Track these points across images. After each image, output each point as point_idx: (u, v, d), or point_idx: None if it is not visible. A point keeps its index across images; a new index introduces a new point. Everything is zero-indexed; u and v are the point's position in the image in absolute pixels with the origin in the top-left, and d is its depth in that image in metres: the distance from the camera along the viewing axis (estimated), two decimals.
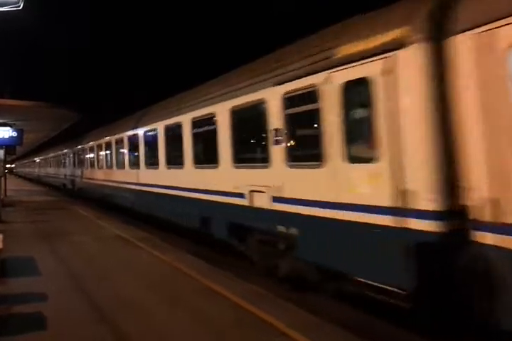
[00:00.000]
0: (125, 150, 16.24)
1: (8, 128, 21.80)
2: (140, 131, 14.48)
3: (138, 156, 14.60)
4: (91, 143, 22.28)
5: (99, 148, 20.48)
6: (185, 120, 10.74)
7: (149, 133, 13.63)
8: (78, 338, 5.18)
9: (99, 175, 20.58)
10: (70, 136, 31.48)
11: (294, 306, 6.17)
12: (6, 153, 23.57)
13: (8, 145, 22.92)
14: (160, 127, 12.58)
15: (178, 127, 11.22)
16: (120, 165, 16.92)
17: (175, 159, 11.61)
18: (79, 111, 22.34)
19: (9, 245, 9.47)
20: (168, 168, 12.09)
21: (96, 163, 21.43)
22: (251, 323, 5.52)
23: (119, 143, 16.79)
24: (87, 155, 23.56)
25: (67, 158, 30.46)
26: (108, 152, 18.85)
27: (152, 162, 13.31)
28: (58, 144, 37.01)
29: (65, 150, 31.11)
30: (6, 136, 21.42)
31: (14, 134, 21.75)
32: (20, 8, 14.79)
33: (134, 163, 15.04)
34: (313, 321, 5.62)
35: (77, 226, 14.12)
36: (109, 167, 18.60)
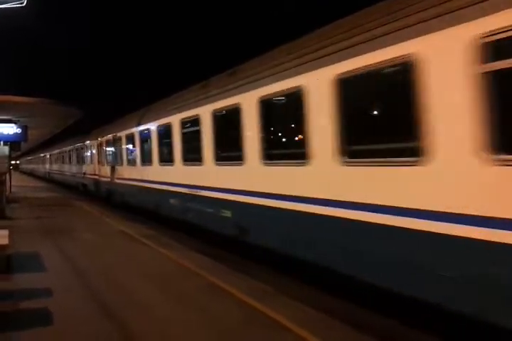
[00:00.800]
0: (205, 137, 9.81)
1: (13, 124, 21.88)
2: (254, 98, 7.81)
3: (240, 142, 8.26)
4: (132, 129, 15.42)
5: (145, 135, 13.89)
6: None
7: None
8: (84, 334, 5.17)
9: (150, 175, 13.59)
10: (86, 126, 26.00)
11: (301, 303, 6.15)
12: (10, 150, 23.66)
13: (13, 142, 23.02)
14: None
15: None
16: (193, 158, 10.47)
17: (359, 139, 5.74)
18: (83, 107, 22.35)
19: (15, 241, 9.48)
20: (349, 164, 5.77)
21: (142, 157, 14.44)
22: (257, 320, 5.51)
23: (191, 125, 10.61)
24: (123, 147, 16.61)
25: (89, 152, 23.52)
26: (166, 140, 12.04)
27: (293, 152, 6.98)
28: (75, 135, 29.31)
29: (87, 142, 23.93)
30: (11, 133, 21.52)
31: (18, 131, 21.83)
32: (24, 4, 14.80)
33: (229, 157, 8.88)
34: (321, 319, 5.60)
35: (82, 223, 14.13)
36: (167, 162, 12.02)
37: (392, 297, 5.44)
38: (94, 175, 21.60)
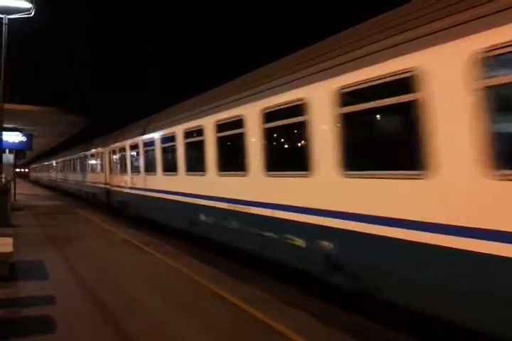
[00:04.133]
0: None
1: (18, 133, 22.12)
2: None
3: None
4: None
5: None
6: None
7: None
8: None
9: None
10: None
11: (299, 311, 6.22)
12: (15, 158, 23.87)
13: (18, 150, 23.24)
14: None
15: None
16: None
17: None
18: (88, 116, 22.57)
19: (19, 249, 9.56)
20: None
21: None
22: (257, 329, 5.57)
23: None
24: None
25: None
26: None
27: None
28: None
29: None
30: (16, 141, 21.75)
31: (24, 139, 22.07)
32: (32, 15, 15.08)
33: None
34: (318, 326, 5.66)
35: (85, 231, 14.23)
36: None
37: (391, 306, 5.47)
38: None
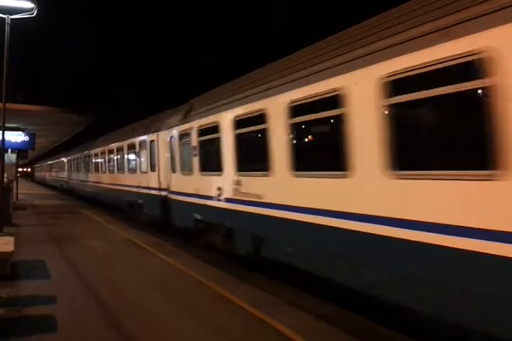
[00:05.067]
0: None
1: (21, 132, 22.09)
2: None
3: None
4: None
5: None
6: None
7: None
8: None
9: None
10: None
11: (301, 311, 6.17)
12: (18, 157, 23.87)
13: (21, 150, 23.22)
14: None
15: None
16: None
17: None
18: (90, 115, 22.55)
19: (20, 248, 9.53)
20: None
21: None
22: (258, 329, 5.52)
23: None
24: None
25: None
26: None
27: None
28: None
29: None
30: (19, 141, 21.71)
31: (26, 138, 22.03)
32: (34, 15, 15.06)
33: None
34: (321, 327, 5.60)
35: (88, 230, 14.19)
36: None
37: (391, 306, 5.42)
38: None
